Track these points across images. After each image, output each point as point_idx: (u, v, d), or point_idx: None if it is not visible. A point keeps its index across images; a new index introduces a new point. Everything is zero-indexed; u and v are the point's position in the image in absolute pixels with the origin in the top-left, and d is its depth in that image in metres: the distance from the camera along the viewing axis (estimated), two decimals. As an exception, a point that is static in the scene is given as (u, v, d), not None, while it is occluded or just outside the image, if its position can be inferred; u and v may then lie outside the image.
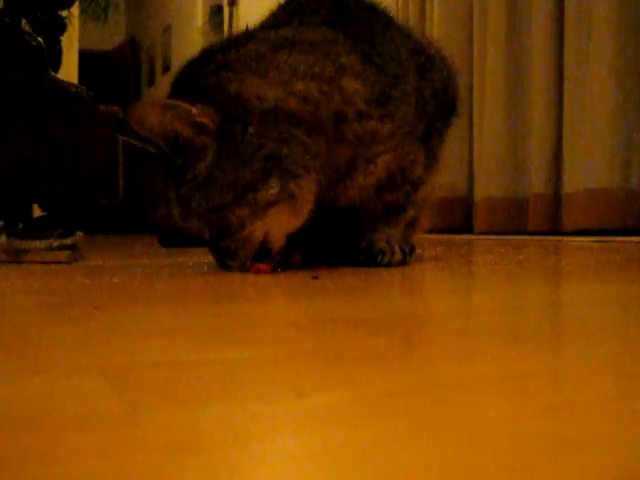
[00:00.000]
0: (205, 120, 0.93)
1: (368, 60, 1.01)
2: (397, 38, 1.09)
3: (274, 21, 1.08)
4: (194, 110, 0.93)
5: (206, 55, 1.00)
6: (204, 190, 0.94)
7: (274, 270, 0.98)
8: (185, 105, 0.93)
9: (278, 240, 0.98)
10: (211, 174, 0.94)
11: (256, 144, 0.93)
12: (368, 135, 1.01)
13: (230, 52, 0.97)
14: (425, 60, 1.11)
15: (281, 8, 1.12)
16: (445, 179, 2.80)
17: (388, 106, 1.02)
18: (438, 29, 3.07)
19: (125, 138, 0.98)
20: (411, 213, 1.15)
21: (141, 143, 0.97)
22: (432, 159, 1.15)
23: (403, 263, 1.10)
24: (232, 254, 0.98)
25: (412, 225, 1.20)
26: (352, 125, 0.99)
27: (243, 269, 0.98)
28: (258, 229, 0.96)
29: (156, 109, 0.93)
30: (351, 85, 0.99)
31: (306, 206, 0.97)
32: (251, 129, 0.93)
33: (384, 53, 1.04)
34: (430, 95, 1.10)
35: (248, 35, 1.02)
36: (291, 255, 1.02)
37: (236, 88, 0.95)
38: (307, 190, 0.96)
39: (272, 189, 0.93)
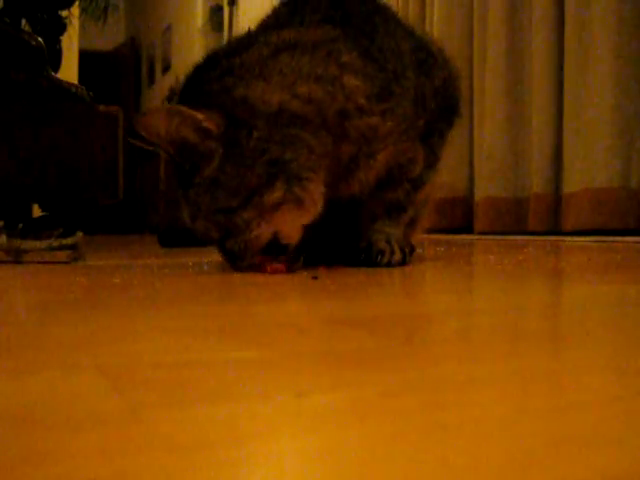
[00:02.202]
0: (210, 125, 0.94)
1: (368, 56, 1.02)
2: (398, 33, 1.09)
3: (275, 20, 1.09)
4: (199, 115, 0.94)
5: (211, 61, 1.01)
6: (211, 193, 0.96)
7: (289, 270, 0.98)
8: (190, 111, 0.94)
9: (293, 234, 0.99)
10: (217, 178, 0.95)
11: (260, 149, 0.94)
12: (370, 131, 1.02)
13: (234, 57, 0.98)
14: (426, 57, 1.11)
15: (282, 5, 1.13)
16: (445, 179, 2.80)
17: (390, 101, 1.03)
18: (438, 29, 3.07)
19: (138, 143, 0.99)
20: (411, 213, 1.16)
21: (153, 147, 0.99)
22: (433, 159, 1.15)
23: (403, 263, 1.10)
24: (239, 255, 0.99)
25: (412, 225, 1.20)
26: (354, 121, 1.00)
27: (253, 268, 0.99)
28: (265, 231, 0.97)
29: (162, 115, 0.95)
30: (352, 82, 0.99)
31: (314, 206, 0.98)
32: (256, 133, 0.94)
33: (384, 48, 1.04)
34: (431, 92, 1.10)
35: (251, 38, 1.03)
36: (298, 258, 1.01)
37: (241, 93, 0.95)
38: (314, 191, 0.97)
39: (277, 192, 0.94)
